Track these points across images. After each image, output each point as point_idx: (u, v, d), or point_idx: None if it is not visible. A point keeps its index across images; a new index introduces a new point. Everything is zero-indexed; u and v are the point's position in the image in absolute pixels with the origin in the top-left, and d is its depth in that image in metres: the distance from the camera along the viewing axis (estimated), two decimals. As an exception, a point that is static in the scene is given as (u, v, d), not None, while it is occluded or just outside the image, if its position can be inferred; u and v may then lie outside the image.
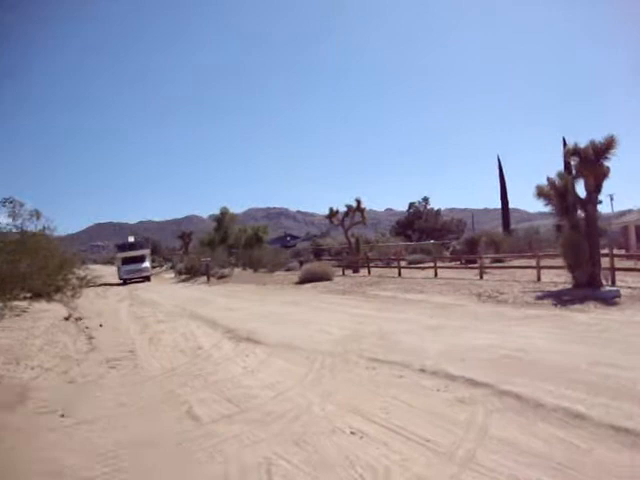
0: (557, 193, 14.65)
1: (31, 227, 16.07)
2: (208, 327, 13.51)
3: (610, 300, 12.26)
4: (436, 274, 22.93)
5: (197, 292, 26.87)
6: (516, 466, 4.21)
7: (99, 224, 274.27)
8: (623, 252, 25.84)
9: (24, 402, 6.78)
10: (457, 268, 25.85)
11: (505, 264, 24.81)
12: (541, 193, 15.29)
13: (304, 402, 6.28)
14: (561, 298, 13.05)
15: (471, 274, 22.17)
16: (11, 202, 14.80)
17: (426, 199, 67.64)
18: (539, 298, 13.51)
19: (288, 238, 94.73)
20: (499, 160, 59.98)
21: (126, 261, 41.85)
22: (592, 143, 14.30)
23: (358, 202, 32.14)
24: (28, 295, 15.95)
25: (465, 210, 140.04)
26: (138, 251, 43.39)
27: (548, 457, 4.35)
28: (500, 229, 68.62)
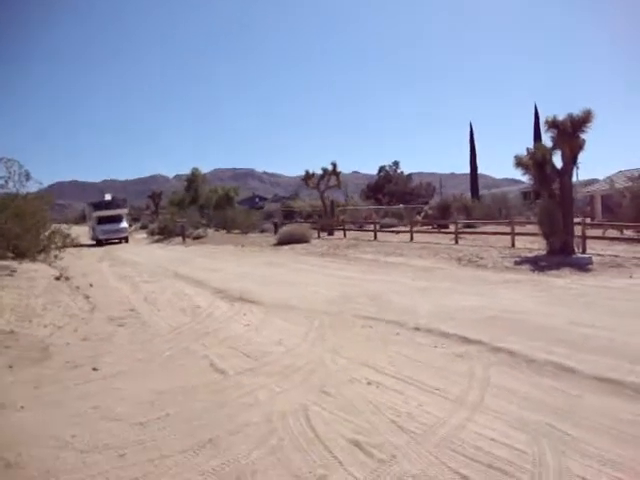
0: (536, 163, 15.28)
1: (18, 187, 16.17)
2: (197, 287, 13.85)
3: (584, 267, 13.04)
4: (412, 238, 23.61)
5: (175, 253, 26.99)
6: (521, 410, 4.78)
7: (61, 182, 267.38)
8: (592, 221, 26.90)
9: (50, 358, 7.14)
10: (431, 232, 26.56)
11: (478, 230, 25.59)
12: (520, 163, 15.91)
13: (315, 357, 6.77)
14: (538, 264, 13.80)
15: (446, 239, 22.90)
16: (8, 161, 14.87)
17: (396, 163, 68.38)
18: (517, 263, 14.26)
19: (257, 199, 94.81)
20: (471, 127, 60.83)
21: (102, 220, 39.06)
22: (570, 116, 14.90)
23: (334, 166, 32.61)
24: (11, 255, 16.04)
25: (432, 174, 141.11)
26: (116, 210, 40.71)
27: (547, 403, 4.94)
28: (468, 194, 70.00)
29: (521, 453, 3.91)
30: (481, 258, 15.45)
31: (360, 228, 32.77)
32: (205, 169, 70.64)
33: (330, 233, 30.59)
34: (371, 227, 28.31)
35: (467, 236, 22.60)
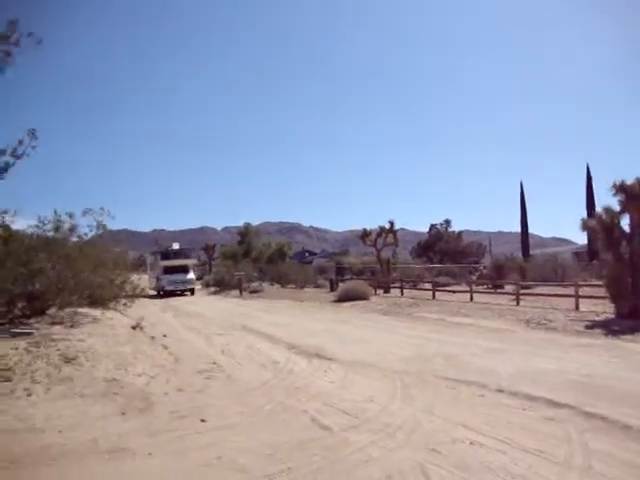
0: (603, 227, 15.40)
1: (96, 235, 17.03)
2: (269, 342, 14.27)
3: (660, 331, 12.97)
4: (471, 298, 23.65)
5: (234, 306, 27.62)
6: (628, 476, 4.96)
7: (111, 230, 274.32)
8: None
9: (153, 407, 7.60)
10: (489, 293, 26.51)
11: (536, 291, 25.39)
12: (586, 226, 16.06)
13: (409, 416, 7.02)
14: (610, 328, 13.75)
15: (505, 299, 22.87)
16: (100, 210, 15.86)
17: (448, 221, 68.42)
18: (588, 327, 14.25)
19: (306, 254, 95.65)
20: (521, 185, 60.83)
21: (169, 270, 37.80)
22: (638, 180, 15.08)
23: (391, 224, 33.12)
24: (86, 302, 16.70)
25: (479, 233, 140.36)
26: (183, 260, 39.49)
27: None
28: (518, 254, 69.30)
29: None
30: (550, 321, 15.47)
31: (414, 287, 32.93)
32: (252, 222, 72.18)
33: (386, 291, 30.82)
34: (427, 286, 28.53)
35: (527, 297, 22.48)
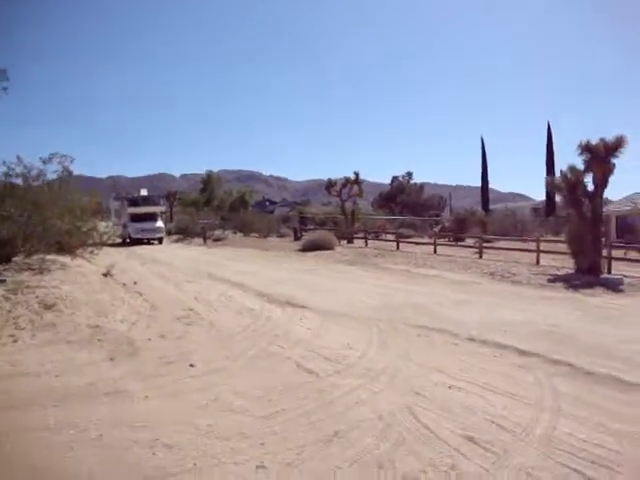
0: (568, 186, 15.87)
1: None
2: (239, 289, 14.29)
3: (616, 287, 13.60)
4: (435, 250, 24.22)
5: (199, 254, 27.35)
6: (591, 415, 5.35)
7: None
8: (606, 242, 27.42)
9: (139, 352, 7.73)
10: (451, 246, 27.17)
11: (497, 245, 26.08)
12: (550, 184, 16.53)
13: (388, 362, 7.32)
14: (571, 282, 14.35)
15: (468, 252, 23.54)
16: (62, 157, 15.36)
17: (410, 174, 69.04)
18: (550, 281, 14.84)
19: (267, 203, 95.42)
20: (482, 141, 61.66)
21: (137, 218, 35.68)
22: (603, 141, 15.53)
23: (356, 175, 33.28)
24: (54, 249, 16.41)
25: (439, 186, 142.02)
26: (152, 207, 37.18)
27: (610, 410, 5.52)
28: (477, 207, 70.60)
29: (613, 452, 4.48)
30: (514, 274, 16.01)
31: (377, 238, 33.44)
32: (211, 168, 71.14)
33: (350, 241, 31.18)
34: (389, 237, 29.07)
35: (489, 251, 23.10)
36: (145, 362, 7.23)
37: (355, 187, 33.80)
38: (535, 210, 59.58)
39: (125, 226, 35.60)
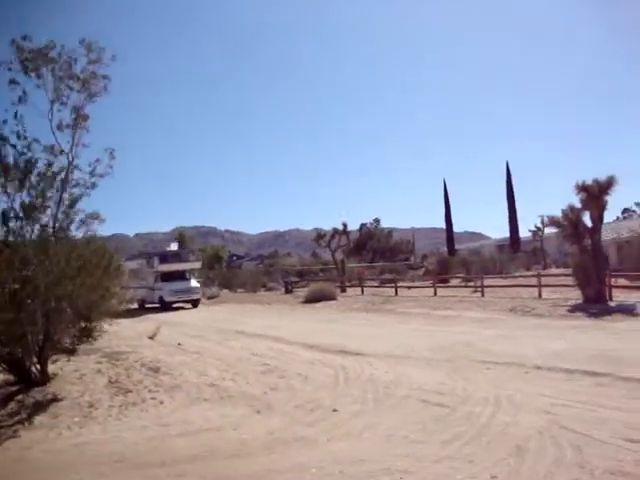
0: (570, 223, 17.48)
1: None
2: (283, 343, 14.59)
3: (631, 312, 15.06)
4: (435, 293, 25.53)
5: (207, 313, 27.43)
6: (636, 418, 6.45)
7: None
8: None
9: (272, 405, 8.46)
10: (447, 287, 28.53)
11: (490, 282, 27.55)
12: (553, 222, 18.15)
13: (488, 391, 8.24)
14: (588, 311, 15.77)
15: (466, 292, 24.93)
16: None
17: (377, 220, 71.06)
18: (570, 311, 16.24)
19: (234, 257, 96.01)
20: (445, 184, 64.41)
21: (168, 277, 30.79)
22: (596, 181, 17.27)
23: (345, 226, 34.74)
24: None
25: (397, 229, 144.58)
26: (184, 264, 32.42)
27: None
28: (441, 248, 73.06)
29: None
30: (533, 308, 17.37)
31: (360, 285, 34.45)
32: (167, 227, 71.26)
33: (343, 290, 32.25)
34: (374, 284, 30.59)
35: (487, 289, 24.40)
36: (288, 412, 7.93)
37: (343, 237, 35.16)
38: (499, 247, 61.92)
39: (154, 288, 30.83)
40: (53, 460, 6.39)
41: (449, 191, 64.52)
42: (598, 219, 17.43)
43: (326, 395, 8.80)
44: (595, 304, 16.55)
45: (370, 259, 61.77)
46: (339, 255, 37.54)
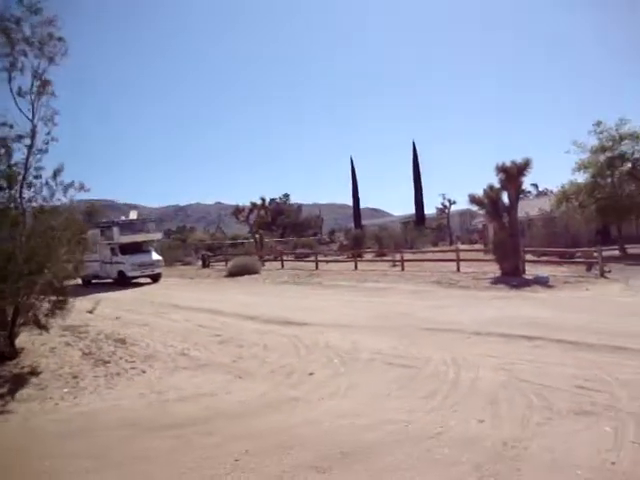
0: (491, 201, 18.77)
1: None
2: (222, 316, 14.69)
3: (546, 284, 16.52)
4: (356, 267, 26.46)
5: (131, 287, 27.09)
6: (556, 377, 7.41)
7: None
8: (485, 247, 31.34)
9: (251, 374, 8.94)
10: (362, 261, 29.52)
11: (418, 257, 28.76)
12: (474, 200, 19.39)
13: (443, 354, 8.98)
14: (509, 283, 17.10)
15: (385, 266, 26.03)
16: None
17: (287, 195, 71.52)
18: (492, 284, 17.53)
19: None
20: (352, 161, 66.04)
21: (128, 249, 28.09)
22: (514, 163, 18.62)
23: (263, 200, 34.98)
24: None
25: (305, 205, 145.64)
26: (145, 234, 29.57)
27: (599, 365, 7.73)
28: (346, 224, 74.97)
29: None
30: (457, 281, 18.58)
31: (275, 259, 34.97)
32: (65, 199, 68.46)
33: (262, 264, 32.60)
34: (288, 258, 31.47)
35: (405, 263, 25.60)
36: (267, 377, 8.34)
37: (262, 211, 35.42)
38: (405, 224, 64.25)
39: (111, 262, 28.36)
40: (66, 428, 6.54)
41: (356, 169, 66.15)
42: (515, 198, 18.82)
43: (293, 361, 9.29)
44: (512, 277, 17.94)
45: (280, 234, 62.28)
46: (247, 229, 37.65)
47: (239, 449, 5.36)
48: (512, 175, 18.50)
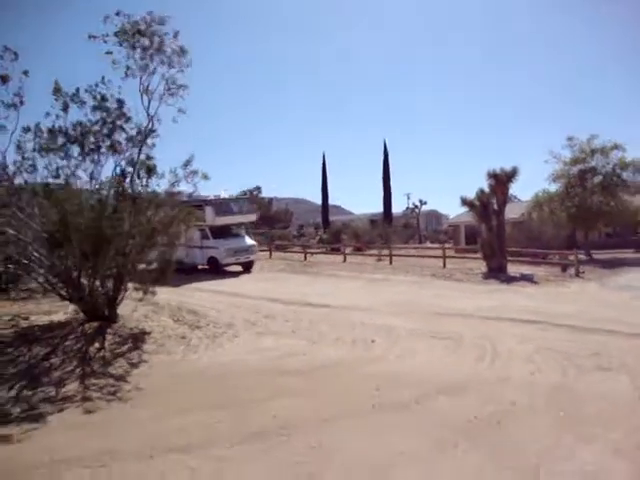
0: (482, 204, 20.73)
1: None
2: (248, 299, 16.26)
3: (532, 280, 18.53)
4: (345, 259, 28.13)
5: None
6: (571, 348, 9.36)
7: None
8: (457, 247, 33.41)
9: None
10: (354, 254, 31.20)
11: (402, 253, 30.44)
12: (465, 202, 21.33)
13: (459, 331, 10.73)
14: (499, 278, 19.07)
15: (371, 260, 27.77)
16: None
17: (259, 188, 72.50)
18: (483, 278, 19.47)
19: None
20: (324, 158, 67.72)
21: (221, 233, 24.38)
22: (503, 170, 20.62)
23: (251, 192, 36.20)
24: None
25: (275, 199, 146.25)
26: (240, 216, 25.68)
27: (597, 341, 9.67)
28: (312, 219, 76.61)
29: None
30: (451, 274, 20.46)
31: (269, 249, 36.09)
32: None
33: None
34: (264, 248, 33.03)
35: (387, 258, 27.19)
36: (335, 343, 10.00)
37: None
38: (372, 222, 66.20)
39: (202, 247, 24.32)
40: (223, 371, 8.20)
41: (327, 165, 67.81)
42: (503, 203, 20.82)
43: (347, 333, 10.87)
44: (499, 273, 19.94)
45: (255, 226, 63.10)
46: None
47: (370, 386, 7.07)
48: (501, 181, 20.47)
